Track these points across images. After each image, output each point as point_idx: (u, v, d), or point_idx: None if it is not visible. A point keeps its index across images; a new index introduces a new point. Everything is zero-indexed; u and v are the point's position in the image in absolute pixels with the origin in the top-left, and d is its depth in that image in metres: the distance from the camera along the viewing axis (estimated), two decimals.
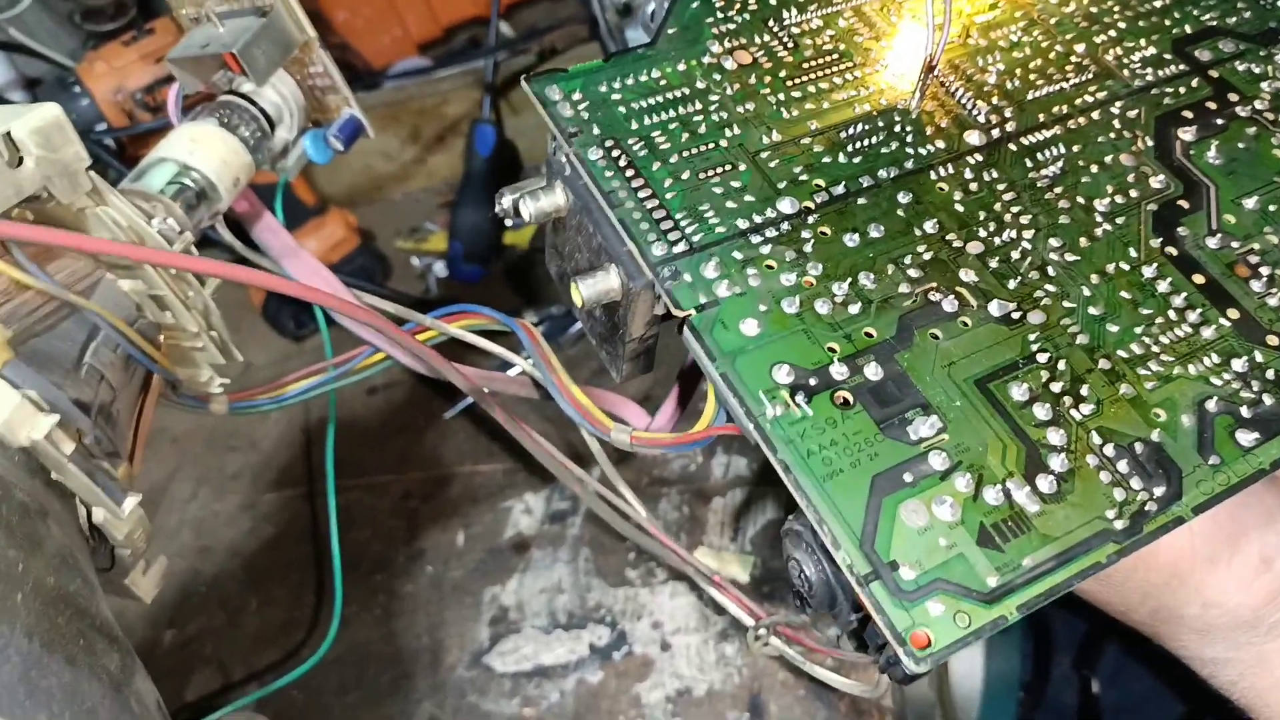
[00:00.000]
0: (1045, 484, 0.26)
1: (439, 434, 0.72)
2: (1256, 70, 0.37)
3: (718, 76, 0.34)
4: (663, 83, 0.34)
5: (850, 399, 0.27)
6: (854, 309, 0.29)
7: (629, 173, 0.31)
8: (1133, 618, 0.33)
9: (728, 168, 0.32)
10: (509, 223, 0.32)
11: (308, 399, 0.43)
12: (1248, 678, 0.32)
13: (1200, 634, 0.32)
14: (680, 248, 0.30)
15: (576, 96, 0.33)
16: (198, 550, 0.68)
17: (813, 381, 0.27)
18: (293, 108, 0.45)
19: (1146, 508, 0.26)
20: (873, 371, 0.28)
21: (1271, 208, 0.33)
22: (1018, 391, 0.28)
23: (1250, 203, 0.33)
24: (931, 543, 0.25)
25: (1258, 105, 0.36)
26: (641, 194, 0.31)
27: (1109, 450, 0.27)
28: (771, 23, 0.36)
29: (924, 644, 0.24)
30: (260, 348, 0.81)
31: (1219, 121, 0.35)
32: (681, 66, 0.34)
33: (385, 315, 0.37)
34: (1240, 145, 0.35)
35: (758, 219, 0.31)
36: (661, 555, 0.55)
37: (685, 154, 0.32)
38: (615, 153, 0.32)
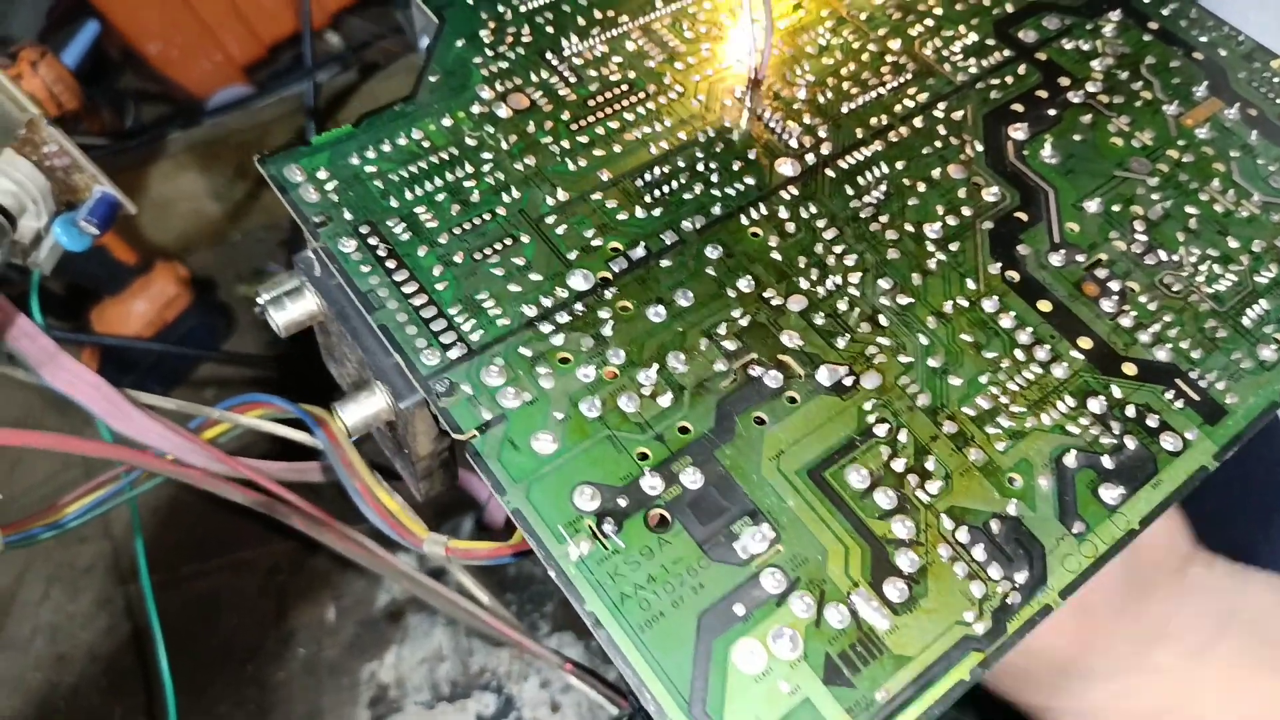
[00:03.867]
0: (894, 591, 0.22)
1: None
2: (1085, 47, 0.34)
3: (490, 129, 0.30)
4: (425, 144, 0.29)
5: (668, 517, 0.23)
6: (664, 400, 0.25)
7: (390, 264, 0.26)
8: None
9: (508, 241, 0.27)
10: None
11: (102, 513, 0.38)
12: None
13: (1015, 677, 0.30)
14: (456, 352, 0.25)
15: (322, 175, 0.28)
16: (54, 660, 0.62)
17: (623, 502, 0.23)
18: (34, 193, 0.39)
19: (1009, 600, 0.23)
20: (691, 479, 0.24)
21: (1115, 208, 0.30)
22: (856, 478, 0.24)
23: (1092, 205, 0.30)
24: (772, 690, 0.21)
25: (1090, 88, 0.33)
26: (406, 289, 0.26)
27: (962, 535, 0.23)
28: (549, 55, 0.32)
29: None
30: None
31: (1051, 113, 0.32)
32: (447, 122, 0.29)
33: (170, 415, 0.32)
34: (1076, 138, 0.32)
35: (547, 302, 0.26)
36: (513, 644, 0.51)
37: (456, 231, 0.27)
38: (372, 240, 0.27)
